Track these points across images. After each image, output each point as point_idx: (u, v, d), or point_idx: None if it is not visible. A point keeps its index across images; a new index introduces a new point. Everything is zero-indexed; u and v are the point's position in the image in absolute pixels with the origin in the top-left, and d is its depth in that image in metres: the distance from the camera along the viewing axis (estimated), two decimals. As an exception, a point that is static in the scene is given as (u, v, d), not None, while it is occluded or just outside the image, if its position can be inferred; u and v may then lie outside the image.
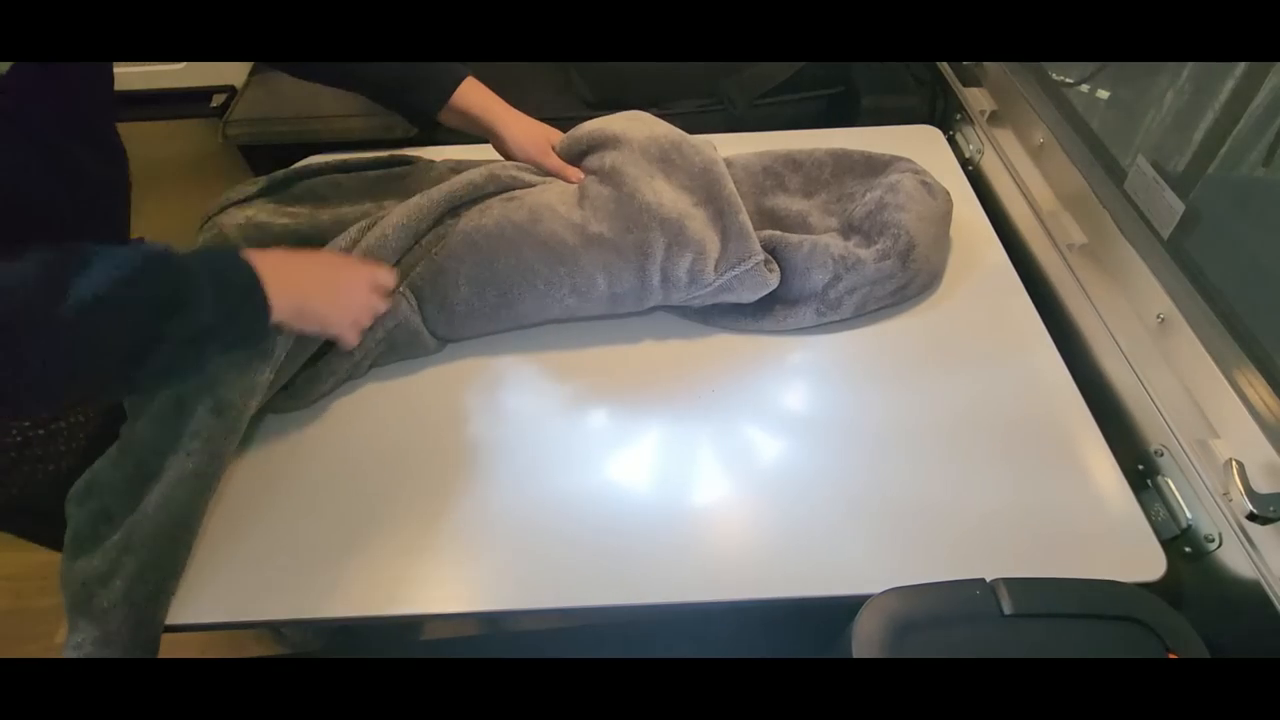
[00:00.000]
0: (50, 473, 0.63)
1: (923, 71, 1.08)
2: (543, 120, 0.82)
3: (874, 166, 0.81)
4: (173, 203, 0.98)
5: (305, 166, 0.79)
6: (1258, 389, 0.55)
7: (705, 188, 0.71)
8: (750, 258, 0.67)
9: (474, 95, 0.78)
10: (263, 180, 0.77)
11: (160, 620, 0.55)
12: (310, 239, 0.72)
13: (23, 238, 0.44)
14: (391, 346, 0.71)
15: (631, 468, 0.63)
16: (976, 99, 0.97)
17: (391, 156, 0.82)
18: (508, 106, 0.80)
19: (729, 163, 0.79)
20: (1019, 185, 0.88)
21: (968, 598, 0.48)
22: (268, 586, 0.56)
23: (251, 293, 0.51)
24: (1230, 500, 0.53)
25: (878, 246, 0.71)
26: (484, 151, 0.83)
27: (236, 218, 0.73)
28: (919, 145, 0.95)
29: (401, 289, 0.68)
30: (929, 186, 0.76)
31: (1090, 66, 0.83)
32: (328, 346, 0.67)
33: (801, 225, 0.79)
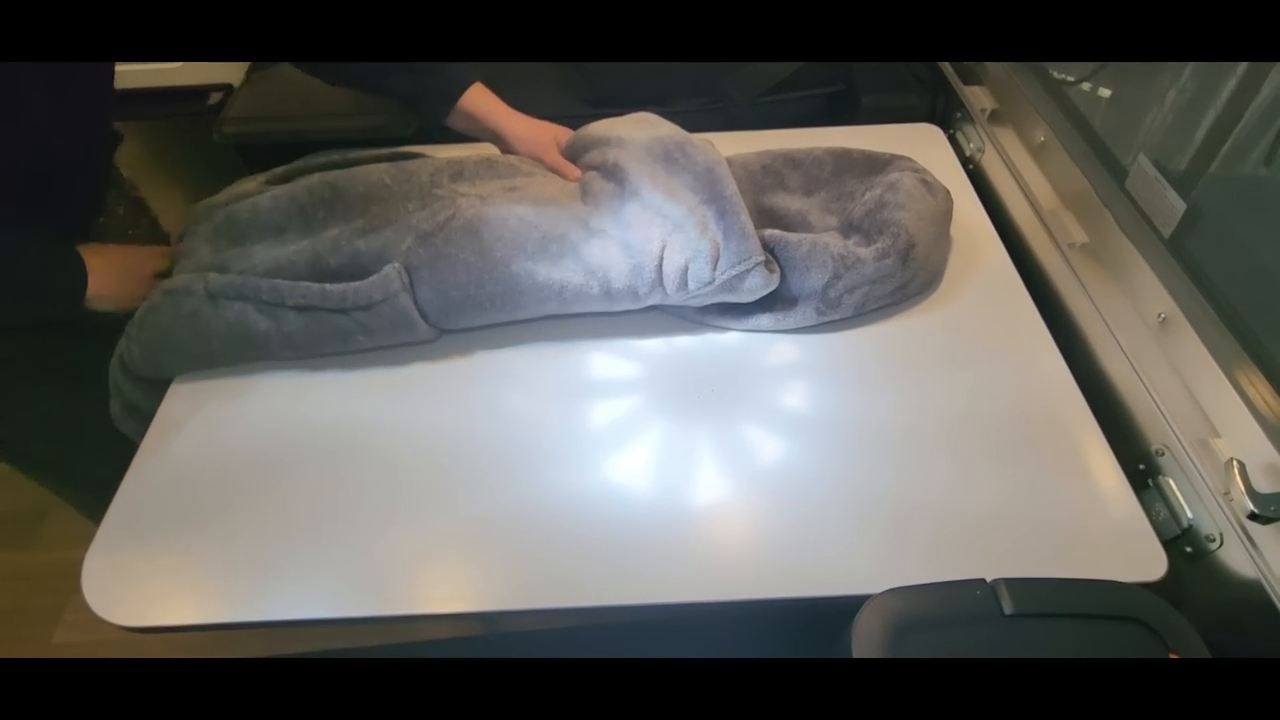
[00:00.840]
0: None
1: (923, 70, 1.08)
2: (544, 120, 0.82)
3: (874, 165, 0.81)
4: (170, 200, 0.98)
5: (306, 162, 0.79)
6: (1259, 388, 0.55)
7: (708, 188, 0.71)
8: (751, 258, 0.67)
9: (479, 100, 0.79)
10: (264, 176, 0.78)
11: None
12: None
13: None
14: (379, 322, 0.68)
15: (631, 467, 0.63)
16: (977, 97, 0.97)
17: (393, 152, 0.82)
18: (511, 110, 0.81)
19: (729, 161, 0.79)
20: (1020, 184, 0.87)
21: (968, 598, 0.48)
22: (266, 587, 0.56)
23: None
24: (1231, 500, 0.53)
25: (878, 245, 0.70)
26: (484, 150, 0.83)
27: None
28: (919, 144, 0.95)
29: (394, 264, 0.67)
30: (929, 185, 0.76)
31: (1091, 65, 0.83)
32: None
33: (801, 224, 0.79)
